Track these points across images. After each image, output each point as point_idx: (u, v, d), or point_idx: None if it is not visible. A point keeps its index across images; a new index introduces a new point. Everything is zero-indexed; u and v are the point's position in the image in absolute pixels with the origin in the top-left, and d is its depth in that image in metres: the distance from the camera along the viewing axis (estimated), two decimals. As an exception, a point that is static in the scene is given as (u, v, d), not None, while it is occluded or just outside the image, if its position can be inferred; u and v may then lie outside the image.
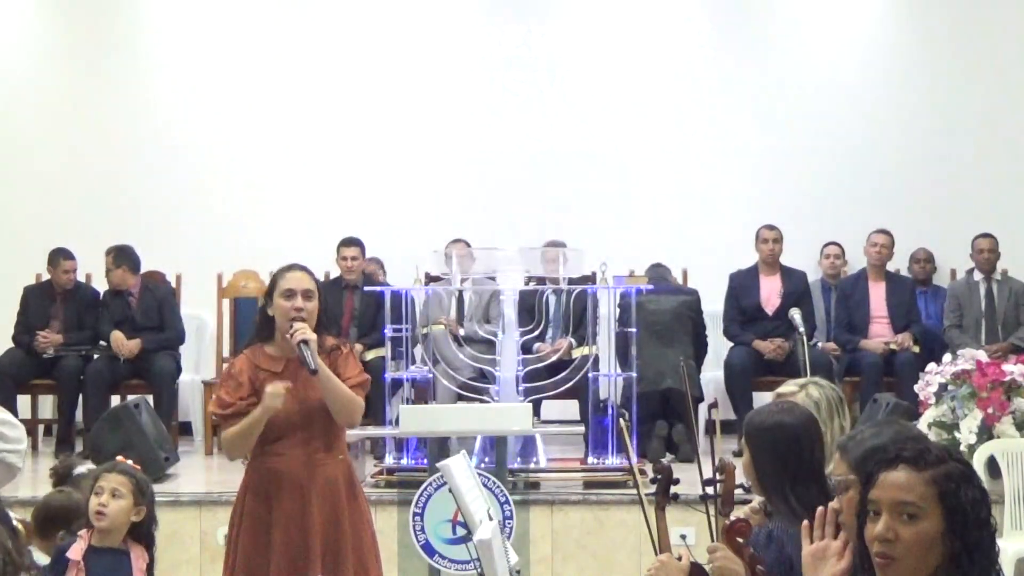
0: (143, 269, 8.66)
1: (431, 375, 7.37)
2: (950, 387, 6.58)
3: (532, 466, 7.01)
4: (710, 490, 3.45)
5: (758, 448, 3.41)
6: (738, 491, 3.49)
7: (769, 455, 3.38)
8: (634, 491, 3.82)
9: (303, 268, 4.47)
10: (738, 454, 4.73)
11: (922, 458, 2.36)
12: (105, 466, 4.29)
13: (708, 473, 3.52)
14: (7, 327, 8.62)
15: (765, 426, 3.43)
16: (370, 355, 8.32)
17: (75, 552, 4.09)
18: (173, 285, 9.04)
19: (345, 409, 4.32)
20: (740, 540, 3.19)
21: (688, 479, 3.85)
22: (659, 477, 3.64)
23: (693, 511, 3.84)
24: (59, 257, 8.57)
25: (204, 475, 7.83)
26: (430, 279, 8.03)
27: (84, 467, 4.62)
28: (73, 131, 9.68)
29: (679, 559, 3.39)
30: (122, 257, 8.49)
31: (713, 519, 3.47)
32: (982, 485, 2.38)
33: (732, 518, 3.30)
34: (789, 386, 3.82)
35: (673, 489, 3.64)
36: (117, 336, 8.32)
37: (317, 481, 4.31)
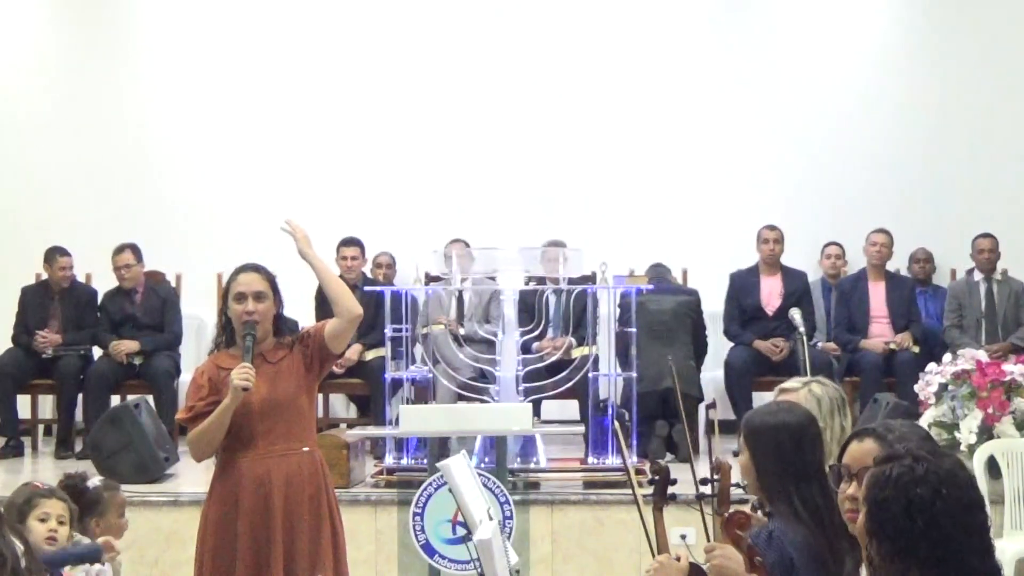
0: (144, 269, 8.71)
1: (431, 375, 7.36)
2: (950, 387, 6.57)
3: (532, 466, 7.01)
4: (706, 490, 3.45)
5: (759, 448, 3.40)
6: (737, 491, 3.49)
7: (771, 455, 3.37)
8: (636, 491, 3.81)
9: (255, 268, 4.50)
10: (738, 454, 4.72)
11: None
12: (42, 491, 4.26)
13: (703, 473, 3.52)
14: (7, 327, 8.63)
15: (767, 426, 3.42)
16: (370, 355, 8.33)
17: None
18: (173, 285, 9.05)
19: (345, 296, 4.43)
20: (739, 532, 3.19)
21: (687, 479, 3.85)
22: (656, 478, 3.64)
23: (693, 511, 3.84)
24: (55, 255, 8.58)
25: (204, 475, 7.75)
26: (430, 279, 8.03)
27: (99, 479, 4.63)
28: (73, 131, 9.68)
29: (678, 559, 3.39)
30: (140, 253, 8.54)
31: (710, 518, 3.47)
32: (946, 496, 2.40)
33: (731, 510, 3.30)
34: (793, 382, 3.83)
35: (671, 489, 3.63)
36: (117, 347, 8.34)
37: (279, 475, 4.32)
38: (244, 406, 4.29)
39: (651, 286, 7.88)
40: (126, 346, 8.35)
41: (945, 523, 2.37)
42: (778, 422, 3.43)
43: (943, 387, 6.59)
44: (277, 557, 4.27)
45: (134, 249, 8.55)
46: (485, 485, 4.85)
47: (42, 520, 4.17)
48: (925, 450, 2.50)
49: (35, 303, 8.63)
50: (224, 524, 4.36)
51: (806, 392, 3.73)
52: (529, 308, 7.37)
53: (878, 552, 2.40)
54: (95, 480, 4.59)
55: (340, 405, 9.32)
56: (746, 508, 3.53)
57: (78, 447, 8.27)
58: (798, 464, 3.35)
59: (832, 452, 3.63)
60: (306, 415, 4.44)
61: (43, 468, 7.86)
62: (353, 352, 8.32)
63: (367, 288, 8.37)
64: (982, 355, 6.81)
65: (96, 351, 8.56)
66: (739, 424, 3.55)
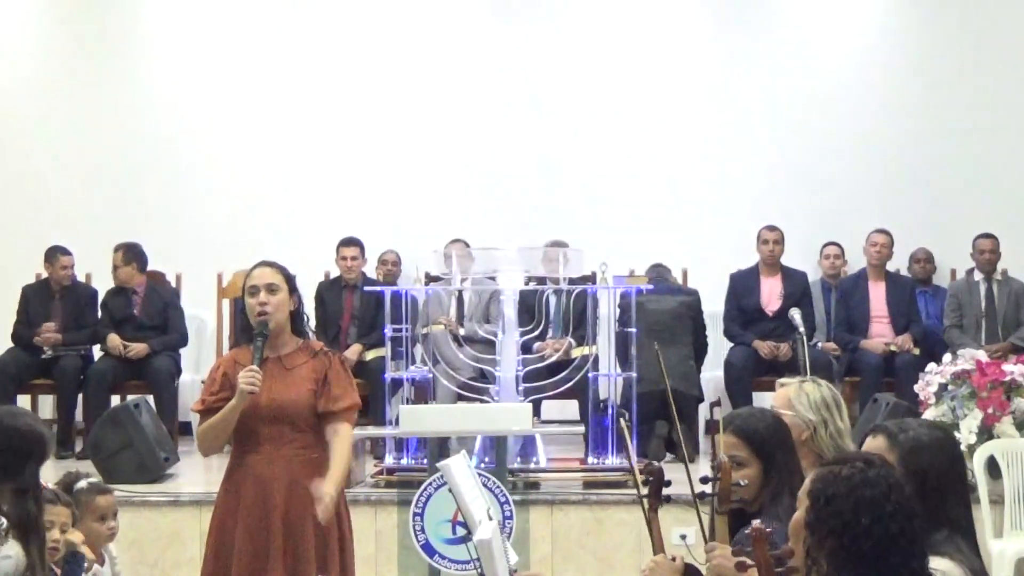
0: (147, 269, 8.68)
1: (431, 375, 7.37)
2: (950, 387, 6.58)
3: (532, 466, 7.01)
4: (707, 489, 3.44)
5: (775, 450, 3.46)
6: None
7: (779, 453, 3.45)
8: (634, 491, 3.81)
9: (270, 264, 4.48)
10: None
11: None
12: (47, 495, 4.23)
13: (684, 470, 3.55)
14: (7, 327, 8.62)
15: (770, 426, 3.48)
16: (370, 355, 8.33)
17: None
18: (173, 285, 9.05)
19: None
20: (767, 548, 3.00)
21: (684, 479, 3.84)
22: (650, 479, 3.64)
23: (693, 511, 3.83)
24: (56, 254, 8.57)
25: (204, 475, 7.81)
26: (430, 279, 8.03)
27: (85, 482, 4.63)
28: (73, 130, 9.68)
29: (673, 560, 3.39)
30: (132, 254, 8.49)
31: (709, 517, 3.46)
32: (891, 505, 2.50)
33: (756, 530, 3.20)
34: (789, 379, 3.93)
35: (667, 491, 3.64)
36: (113, 339, 8.34)
37: (281, 477, 4.33)
38: (252, 408, 4.29)
39: (651, 286, 7.87)
40: (136, 349, 8.32)
41: (891, 526, 2.48)
42: (776, 420, 3.46)
43: (943, 387, 6.60)
44: (276, 559, 4.27)
45: (128, 249, 8.48)
46: (485, 485, 4.85)
47: (46, 527, 4.14)
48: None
49: (37, 302, 8.62)
50: (225, 522, 4.38)
51: (796, 387, 3.81)
52: (529, 308, 7.37)
53: (818, 546, 2.50)
54: (83, 483, 4.57)
55: (340, 405, 9.31)
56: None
57: (78, 447, 8.27)
58: (793, 457, 3.41)
59: (828, 448, 3.68)
60: (319, 423, 4.43)
61: (43, 468, 7.84)
62: (353, 352, 8.32)
63: (367, 288, 8.37)
64: (982, 355, 6.82)
65: (96, 351, 8.56)
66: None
